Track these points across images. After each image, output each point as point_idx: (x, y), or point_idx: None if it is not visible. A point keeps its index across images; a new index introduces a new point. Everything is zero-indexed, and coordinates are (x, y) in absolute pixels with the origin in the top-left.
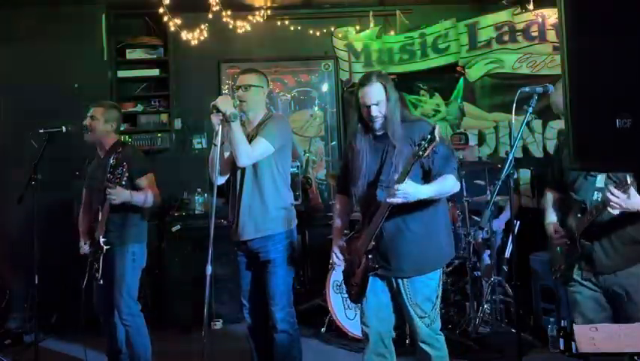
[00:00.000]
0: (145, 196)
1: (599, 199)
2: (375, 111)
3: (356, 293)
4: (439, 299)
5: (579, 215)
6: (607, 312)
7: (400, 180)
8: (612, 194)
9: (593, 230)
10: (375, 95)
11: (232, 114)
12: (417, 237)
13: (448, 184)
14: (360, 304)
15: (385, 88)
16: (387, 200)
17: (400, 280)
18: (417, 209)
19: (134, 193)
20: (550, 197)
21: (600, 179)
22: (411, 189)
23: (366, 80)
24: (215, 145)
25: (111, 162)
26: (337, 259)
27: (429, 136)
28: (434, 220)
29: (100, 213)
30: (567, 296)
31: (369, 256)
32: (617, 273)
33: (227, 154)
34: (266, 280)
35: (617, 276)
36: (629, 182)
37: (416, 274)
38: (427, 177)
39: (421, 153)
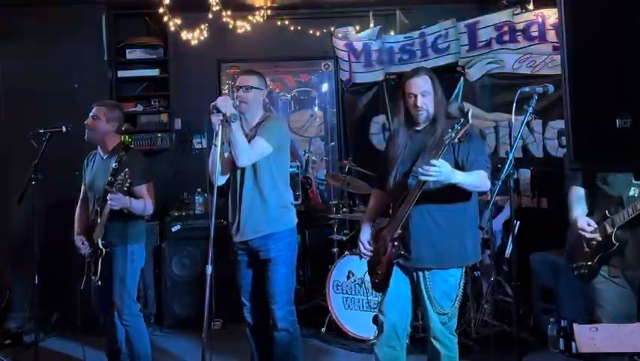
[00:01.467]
0: (144, 205)
1: (636, 195)
2: (420, 101)
3: (380, 282)
4: (459, 299)
5: (612, 209)
6: (632, 309)
7: (435, 157)
8: None
9: (628, 225)
10: (423, 85)
11: (232, 115)
12: (441, 230)
13: (480, 178)
14: (381, 294)
15: (433, 81)
16: (421, 177)
17: (420, 273)
18: (446, 203)
19: (133, 200)
20: (580, 192)
21: None
22: (445, 169)
23: (414, 72)
24: (215, 145)
25: (113, 164)
26: (363, 248)
27: (462, 119)
28: (461, 218)
29: (99, 216)
30: (589, 291)
31: (395, 244)
32: None
33: (227, 154)
34: (266, 279)
35: None
36: None
37: (436, 266)
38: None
39: (453, 135)
